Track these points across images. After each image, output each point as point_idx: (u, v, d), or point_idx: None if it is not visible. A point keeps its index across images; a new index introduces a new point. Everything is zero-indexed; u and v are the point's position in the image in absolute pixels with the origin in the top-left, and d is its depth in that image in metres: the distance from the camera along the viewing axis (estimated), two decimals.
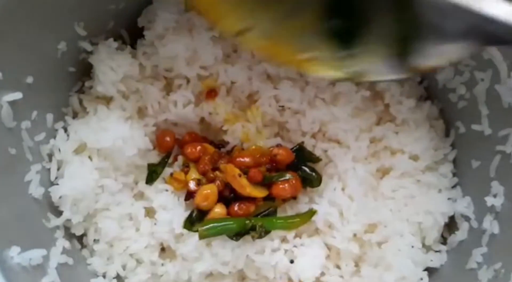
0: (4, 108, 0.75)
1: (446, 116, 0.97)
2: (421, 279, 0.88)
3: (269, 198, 0.92)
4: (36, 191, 0.81)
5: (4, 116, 0.75)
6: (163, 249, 0.91)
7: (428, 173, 0.93)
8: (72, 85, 0.93)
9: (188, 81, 0.96)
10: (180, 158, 0.95)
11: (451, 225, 0.92)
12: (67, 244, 0.84)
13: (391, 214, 0.90)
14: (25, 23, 0.76)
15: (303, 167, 0.94)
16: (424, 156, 0.93)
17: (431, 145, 0.94)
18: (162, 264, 0.90)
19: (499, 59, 0.79)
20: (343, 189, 0.92)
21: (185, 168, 0.94)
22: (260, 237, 0.88)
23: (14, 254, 0.70)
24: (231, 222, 0.87)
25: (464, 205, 0.89)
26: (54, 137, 0.88)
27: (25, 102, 0.78)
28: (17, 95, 0.76)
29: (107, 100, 0.94)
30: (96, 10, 0.88)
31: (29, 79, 0.80)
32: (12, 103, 0.76)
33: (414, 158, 0.93)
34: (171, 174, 0.93)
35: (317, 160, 0.95)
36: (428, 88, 0.99)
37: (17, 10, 0.74)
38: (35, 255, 0.74)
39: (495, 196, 0.85)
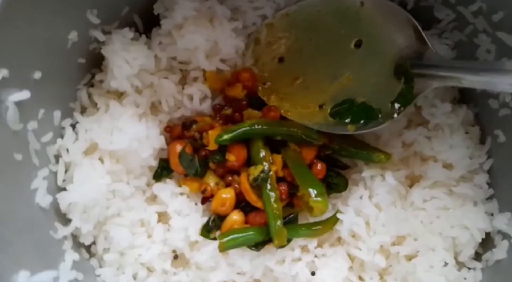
0: (10, 110, 0.67)
1: (481, 122, 0.92)
2: None
3: (288, 204, 0.88)
4: (43, 199, 0.74)
5: (10, 119, 0.67)
6: (175, 257, 0.86)
7: (462, 183, 0.88)
8: (81, 78, 0.86)
9: (204, 73, 0.90)
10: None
11: (485, 240, 0.87)
12: (75, 256, 0.79)
13: (422, 226, 0.85)
14: (34, 11, 0.68)
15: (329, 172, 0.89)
16: (459, 164, 0.88)
17: (467, 153, 0.88)
18: (175, 273, 0.86)
19: None
20: (370, 197, 0.87)
21: None
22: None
23: (24, 280, 0.64)
24: (252, 232, 0.84)
25: (504, 222, 0.84)
26: (62, 136, 0.81)
27: (32, 101, 0.71)
28: (25, 94, 0.68)
29: (118, 95, 0.87)
30: None
31: (37, 75, 0.72)
32: (18, 104, 0.68)
33: (448, 166, 0.88)
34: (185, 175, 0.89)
35: (344, 166, 0.91)
36: (462, 91, 0.94)
37: None
38: (45, 278, 0.68)
39: None
